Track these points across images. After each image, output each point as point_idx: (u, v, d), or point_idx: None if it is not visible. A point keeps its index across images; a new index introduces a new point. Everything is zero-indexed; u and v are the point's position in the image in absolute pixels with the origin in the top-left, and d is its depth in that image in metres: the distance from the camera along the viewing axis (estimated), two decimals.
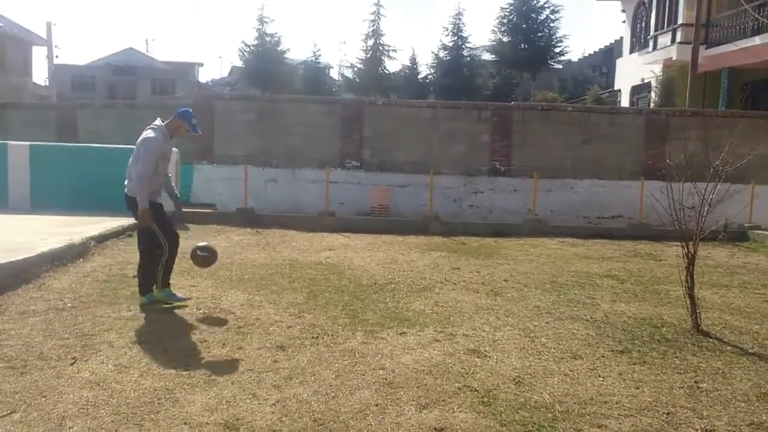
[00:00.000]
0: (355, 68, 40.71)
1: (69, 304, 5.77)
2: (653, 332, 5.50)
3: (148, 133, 5.80)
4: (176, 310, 5.70)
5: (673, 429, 3.56)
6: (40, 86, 44.33)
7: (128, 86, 50.91)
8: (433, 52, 40.01)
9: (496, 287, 7.21)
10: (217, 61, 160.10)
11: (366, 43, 39.59)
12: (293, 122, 14.83)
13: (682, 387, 4.20)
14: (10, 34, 36.07)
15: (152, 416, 3.52)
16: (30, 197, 12.01)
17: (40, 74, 58.16)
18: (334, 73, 48.71)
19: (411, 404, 3.78)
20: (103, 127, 15.76)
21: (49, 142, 13.67)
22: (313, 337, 5.03)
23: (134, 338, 4.85)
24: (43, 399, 3.70)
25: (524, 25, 35.90)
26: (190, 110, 6.03)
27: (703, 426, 3.61)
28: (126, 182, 5.83)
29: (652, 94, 23.32)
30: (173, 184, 6.33)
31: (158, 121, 5.93)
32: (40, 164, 12.15)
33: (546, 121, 14.86)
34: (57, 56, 39.30)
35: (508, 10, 36.42)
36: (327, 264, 8.32)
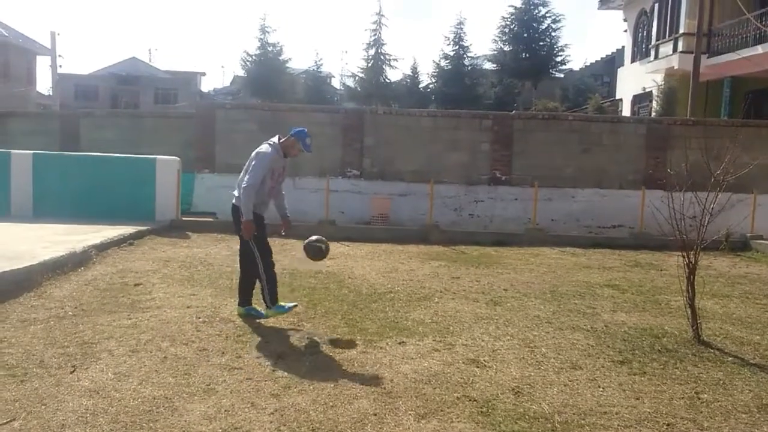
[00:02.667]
0: (357, 77, 40.85)
1: (70, 312, 5.77)
2: (654, 342, 5.48)
3: (262, 148, 5.83)
4: (176, 318, 5.69)
5: None
6: (44, 95, 44.57)
7: (131, 95, 51.12)
8: (434, 61, 40.03)
9: (496, 297, 7.20)
10: (219, 70, 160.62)
11: (367, 52, 39.76)
12: None
13: (683, 398, 4.19)
14: (14, 43, 36.30)
15: (151, 425, 3.52)
16: (33, 205, 12.04)
17: (43, 83, 58.58)
18: (336, 83, 48.95)
19: (409, 414, 3.77)
20: (106, 136, 15.79)
21: (52, 150, 13.71)
22: (312, 346, 5.02)
23: (134, 347, 4.84)
24: (42, 407, 3.70)
25: (525, 35, 36.02)
26: (305, 130, 6.05)
27: None
28: (235, 193, 5.84)
29: (654, 104, 23.36)
30: (285, 203, 6.32)
31: (275, 139, 5.93)
32: (43, 173, 12.19)
33: (547, 130, 14.88)
34: (61, 66, 39.47)
35: (509, 19, 36.57)
36: (327, 273, 8.32)
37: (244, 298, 5.96)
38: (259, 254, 5.76)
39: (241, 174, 5.80)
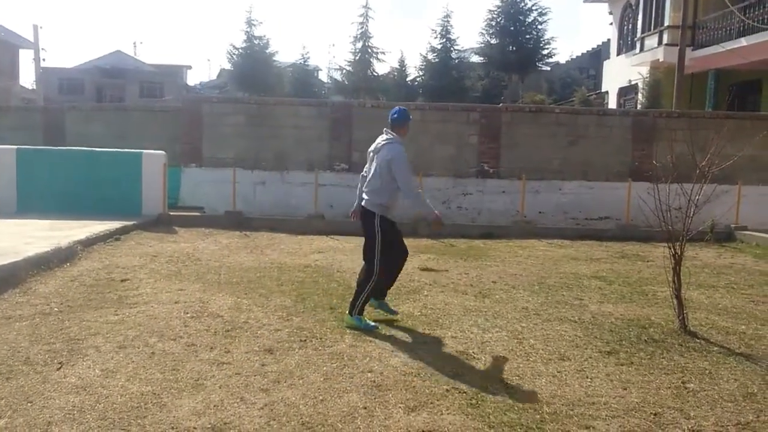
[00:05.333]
0: (344, 71, 40.67)
1: (56, 309, 5.73)
2: (641, 333, 5.52)
3: (393, 146, 5.51)
4: (164, 314, 5.66)
5: (660, 429, 3.58)
6: (28, 89, 44.03)
7: (116, 89, 50.68)
8: (421, 55, 39.90)
9: (484, 289, 7.22)
10: (205, 63, 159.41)
11: (354, 45, 39.57)
12: (282, 125, 14.81)
13: (670, 387, 4.23)
14: None
15: (139, 421, 3.49)
16: (17, 201, 11.93)
17: (27, 77, 57.92)
18: (323, 76, 48.67)
19: (399, 407, 3.78)
20: (91, 130, 15.66)
21: (36, 145, 13.57)
22: (301, 340, 5.02)
23: (121, 343, 4.81)
24: (29, 404, 3.67)
25: (512, 28, 36.00)
26: (403, 108, 5.78)
27: (690, 426, 3.63)
28: (365, 197, 5.63)
29: (639, 96, 23.48)
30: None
31: (390, 134, 5.63)
32: (27, 168, 12.08)
33: (534, 122, 14.91)
34: (44, 59, 39.13)
35: (495, 12, 36.52)
36: (316, 267, 8.31)
37: (380, 293, 5.73)
38: (382, 257, 5.51)
39: (369, 175, 5.58)
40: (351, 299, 5.60)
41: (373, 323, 5.50)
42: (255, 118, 14.89)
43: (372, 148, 5.73)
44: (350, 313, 5.52)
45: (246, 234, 11.27)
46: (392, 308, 5.86)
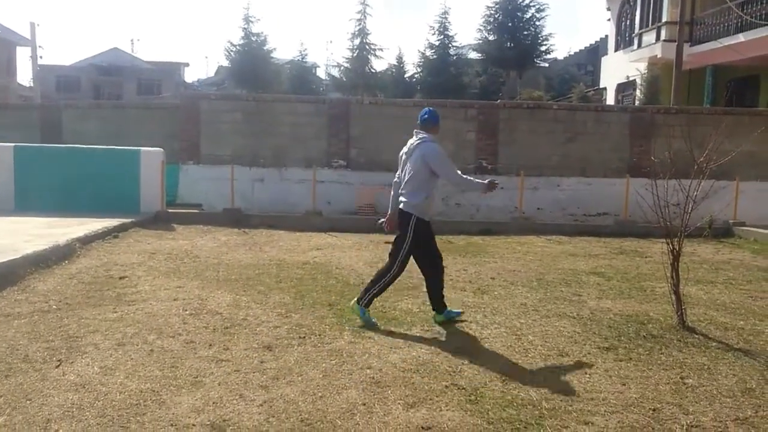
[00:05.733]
0: (342, 67, 40.64)
1: (54, 306, 5.72)
2: (639, 329, 5.53)
3: (427, 144, 5.49)
4: (162, 311, 5.66)
5: (659, 425, 3.59)
6: (25, 87, 43.96)
7: (113, 86, 50.65)
8: (419, 51, 39.97)
9: (482, 285, 7.23)
10: (203, 61, 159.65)
11: (352, 42, 39.52)
12: (280, 122, 14.80)
13: (668, 383, 4.23)
14: None
15: (138, 418, 3.49)
16: (14, 198, 11.91)
17: (24, 75, 57.78)
18: (321, 73, 48.63)
19: (398, 403, 3.78)
20: (89, 127, 15.63)
21: (33, 143, 13.55)
22: (300, 337, 5.02)
23: (120, 340, 4.81)
24: (28, 402, 3.66)
25: (510, 24, 35.99)
26: (431, 109, 5.79)
27: (688, 422, 3.63)
28: (402, 199, 5.56)
29: (637, 92, 23.50)
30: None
31: (424, 134, 5.59)
32: (25, 166, 12.05)
33: (532, 119, 14.92)
34: (41, 57, 38.98)
35: (493, 8, 36.51)
36: (314, 264, 8.31)
37: (439, 305, 5.64)
38: (405, 257, 5.48)
39: (406, 177, 5.52)
40: (364, 287, 5.60)
41: (374, 320, 5.49)
42: (253, 115, 14.88)
43: (404, 150, 5.70)
44: (358, 301, 5.50)
45: (244, 231, 11.27)
46: (456, 310, 5.79)
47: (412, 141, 5.63)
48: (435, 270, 5.65)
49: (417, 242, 5.48)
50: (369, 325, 5.38)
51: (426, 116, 5.68)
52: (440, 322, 5.58)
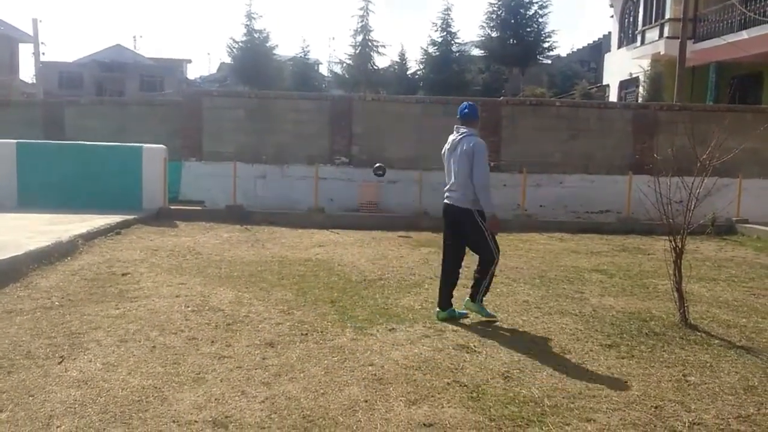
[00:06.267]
0: (344, 64, 40.58)
1: (57, 303, 5.73)
2: (641, 326, 5.52)
3: (473, 138, 5.50)
4: (165, 308, 5.66)
5: (661, 422, 3.58)
6: (27, 84, 43.95)
7: (116, 83, 50.65)
8: (422, 48, 39.94)
9: None
10: (205, 57, 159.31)
11: (355, 38, 39.47)
12: (282, 119, 14.79)
13: (671, 380, 4.23)
14: None
15: (140, 415, 3.50)
16: (17, 195, 11.93)
17: (27, 72, 57.80)
18: (323, 69, 48.62)
19: (400, 400, 3.78)
20: (91, 124, 15.62)
21: (36, 139, 13.56)
22: (302, 334, 5.02)
23: (122, 336, 4.81)
24: (30, 398, 3.67)
25: (513, 21, 35.92)
26: (471, 103, 5.77)
27: (691, 419, 3.63)
28: (449, 194, 5.64)
29: (640, 89, 23.45)
30: None
31: (465, 129, 5.61)
32: (28, 162, 12.07)
33: (535, 116, 14.89)
34: (44, 53, 39.12)
35: (496, 5, 36.44)
36: (316, 260, 8.31)
37: (447, 301, 5.68)
38: (496, 250, 5.57)
39: (455, 170, 5.56)
40: (473, 285, 5.65)
41: (492, 312, 5.69)
42: (255, 112, 14.87)
43: (447, 147, 5.73)
44: (472, 299, 5.61)
45: (247, 228, 11.27)
46: (462, 311, 5.76)
47: (454, 137, 5.67)
48: (458, 266, 5.77)
49: (486, 227, 5.54)
50: (490, 317, 5.60)
51: (466, 110, 5.68)
52: (444, 319, 5.60)
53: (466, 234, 5.61)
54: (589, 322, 5.66)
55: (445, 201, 5.71)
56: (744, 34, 18.44)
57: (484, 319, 5.62)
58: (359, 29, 39.26)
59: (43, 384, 3.87)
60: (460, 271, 5.82)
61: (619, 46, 27.51)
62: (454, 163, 5.59)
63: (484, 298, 5.68)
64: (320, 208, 12.99)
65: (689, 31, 19.56)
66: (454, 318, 5.62)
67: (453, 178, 5.60)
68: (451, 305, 5.70)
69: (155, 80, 52.09)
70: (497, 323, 5.52)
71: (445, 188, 5.73)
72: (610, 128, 14.90)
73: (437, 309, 5.71)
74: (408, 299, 6.30)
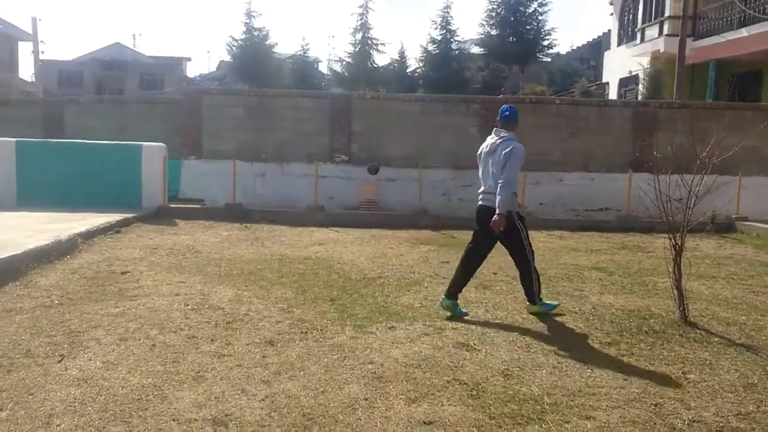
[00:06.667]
0: (344, 62, 40.52)
1: (56, 301, 5.73)
2: (641, 324, 5.53)
3: (512, 142, 5.58)
4: (164, 306, 5.66)
5: (660, 420, 3.58)
6: (27, 82, 43.90)
7: (116, 81, 50.57)
8: (421, 46, 39.90)
9: (485, 281, 7.22)
10: (205, 55, 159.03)
11: (354, 36, 39.40)
12: (282, 117, 14.79)
13: (670, 378, 4.22)
14: None
15: (140, 413, 3.50)
16: (16, 194, 11.93)
17: (26, 70, 57.71)
18: (323, 67, 48.52)
19: (400, 398, 3.78)
20: (91, 123, 15.62)
21: (35, 138, 13.55)
22: (302, 332, 5.02)
23: (122, 335, 4.82)
24: (30, 397, 3.67)
25: (512, 18, 35.87)
26: (511, 107, 5.91)
27: (690, 417, 3.63)
28: (485, 197, 5.69)
29: (640, 87, 23.43)
30: None
31: (505, 132, 5.71)
32: (27, 161, 12.07)
33: (534, 114, 14.88)
34: (43, 52, 39.03)
35: (496, 3, 36.35)
36: (316, 259, 8.31)
37: (457, 290, 5.75)
38: (530, 250, 5.73)
39: (491, 171, 5.61)
40: (525, 292, 5.81)
41: (553, 302, 5.88)
42: (255, 110, 14.87)
43: (485, 149, 5.78)
44: (532, 302, 5.74)
45: (246, 226, 11.27)
46: (463, 309, 5.79)
47: (493, 139, 5.72)
48: (480, 259, 5.84)
49: (525, 228, 5.70)
50: (552, 309, 5.77)
51: (507, 113, 5.79)
52: (446, 306, 5.65)
53: (503, 234, 5.64)
54: (588, 319, 5.66)
55: (481, 203, 5.76)
56: (743, 32, 18.42)
57: (552, 312, 5.78)
58: (359, 27, 39.21)
59: (43, 383, 3.87)
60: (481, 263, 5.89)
61: (619, 44, 27.49)
62: (492, 165, 5.63)
63: (541, 294, 5.85)
64: (320, 206, 12.99)
65: (689, 29, 19.54)
66: (454, 312, 5.63)
67: (490, 180, 5.65)
68: (457, 298, 5.73)
69: (155, 78, 52.01)
70: (497, 321, 5.52)
71: (480, 190, 5.79)
72: (609, 126, 14.90)
73: (443, 296, 5.75)
74: (408, 297, 6.30)
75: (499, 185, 5.45)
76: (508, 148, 5.50)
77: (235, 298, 6.03)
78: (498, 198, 5.44)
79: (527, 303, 5.85)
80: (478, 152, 5.88)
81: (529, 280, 5.74)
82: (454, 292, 5.72)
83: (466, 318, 5.59)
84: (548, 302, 5.88)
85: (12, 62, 38.60)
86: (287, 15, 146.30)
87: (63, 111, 16.40)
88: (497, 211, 5.43)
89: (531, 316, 5.73)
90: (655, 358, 4.64)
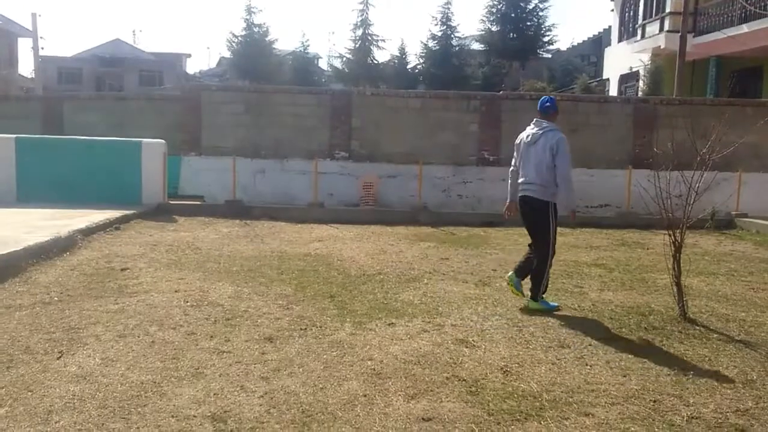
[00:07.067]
0: (344, 58, 40.55)
1: (56, 298, 5.73)
2: (640, 320, 5.53)
3: (556, 133, 5.74)
4: (164, 303, 5.66)
5: (659, 416, 3.59)
6: (26, 78, 43.89)
7: (115, 78, 50.51)
8: (422, 42, 39.82)
9: (484, 277, 7.22)
10: (205, 52, 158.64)
11: (355, 33, 39.45)
12: (282, 113, 14.78)
13: (669, 374, 4.23)
14: None
15: (139, 410, 3.50)
16: (16, 190, 11.91)
17: (26, 66, 57.66)
18: (323, 64, 48.50)
19: (399, 394, 3.78)
20: (90, 119, 15.60)
21: (35, 134, 13.53)
22: (301, 329, 5.02)
23: (121, 332, 4.82)
24: (29, 393, 3.67)
25: (513, 14, 35.90)
26: (550, 97, 6.03)
27: (689, 413, 3.63)
28: (527, 187, 5.80)
29: (641, 83, 23.41)
30: None
31: (547, 122, 5.86)
32: (27, 157, 12.04)
33: (535, 110, 14.68)
34: (43, 48, 38.92)
35: None
36: (316, 255, 8.31)
37: (522, 272, 5.90)
38: (553, 246, 5.79)
39: (534, 168, 5.72)
40: (531, 287, 5.83)
41: (554, 303, 5.88)
42: (255, 107, 14.86)
43: (525, 139, 5.89)
44: (534, 298, 5.78)
45: (246, 223, 11.26)
46: (553, 303, 5.92)
47: (534, 130, 5.85)
48: (552, 250, 5.87)
49: (556, 224, 5.77)
50: (553, 309, 5.75)
51: (548, 104, 5.91)
52: (536, 308, 5.76)
53: (534, 223, 5.82)
54: (587, 316, 5.66)
55: (522, 193, 5.87)
56: (744, 28, 18.39)
57: (553, 311, 5.78)
58: (359, 23, 39.23)
59: (42, 379, 3.87)
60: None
61: (620, 40, 27.45)
62: (534, 155, 5.74)
63: (544, 294, 5.90)
64: (319, 202, 12.98)
65: (689, 25, 19.51)
66: (547, 308, 5.75)
67: (533, 170, 5.74)
68: (522, 280, 5.89)
69: (155, 75, 51.92)
70: (496, 317, 5.52)
71: (520, 180, 5.88)
72: (609, 122, 14.88)
73: (511, 271, 5.95)
74: (407, 294, 6.30)
75: (559, 180, 5.61)
76: (554, 139, 5.65)
77: (234, 295, 6.03)
78: (563, 193, 5.66)
79: (528, 299, 5.85)
80: (517, 142, 6.02)
81: (540, 276, 5.77)
82: (519, 281, 5.90)
83: (465, 314, 5.58)
84: (551, 303, 5.89)
85: (12, 58, 38.60)
86: (287, 11, 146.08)
87: (62, 107, 16.37)
88: (568, 203, 5.75)
89: (530, 312, 5.72)
90: (654, 354, 4.64)
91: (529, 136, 5.87)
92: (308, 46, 42.08)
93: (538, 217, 5.77)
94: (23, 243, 7.26)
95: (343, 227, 11.07)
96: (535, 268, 5.81)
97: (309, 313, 5.48)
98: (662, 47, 21.53)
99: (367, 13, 39.35)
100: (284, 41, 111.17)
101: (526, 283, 5.91)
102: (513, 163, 6.05)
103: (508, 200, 6.17)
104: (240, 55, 38.45)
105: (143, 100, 17.74)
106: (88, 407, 3.51)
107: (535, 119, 5.94)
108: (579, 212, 6.00)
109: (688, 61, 19.49)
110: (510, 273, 5.99)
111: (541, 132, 5.77)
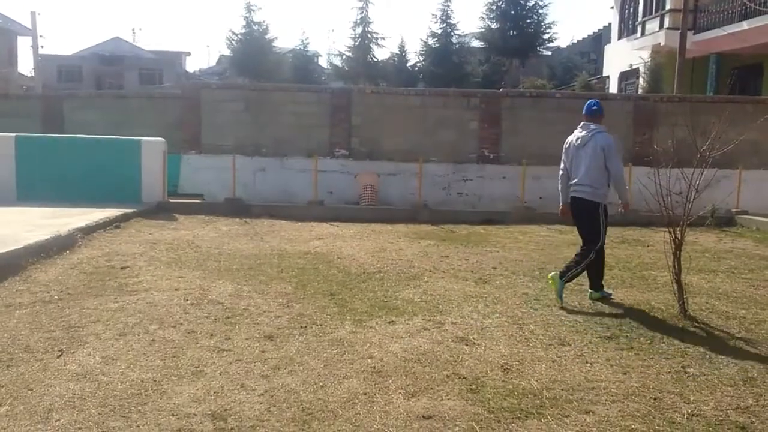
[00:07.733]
0: (344, 56, 40.54)
1: (56, 297, 5.73)
2: (641, 318, 5.53)
3: (606, 135, 5.99)
4: (164, 301, 5.65)
5: (660, 414, 3.59)
6: (26, 77, 43.86)
7: (115, 76, 50.46)
8: (421, 40, 39.89)
9: (484, 275, 7.22)
10: (204, 50, 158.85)
11: (354, 30, 39.43)
12: (281, 111, 14.75)
13: (669, 372, 4.23)
14: None
15: (139, 408, 3.50)
16: (16, 189, 11.90)
17: (25, 65, 57.61)
18: (323, 62, 48.52)
19: (399, 392, 3.78)
20: (90, 117, 15.57)
21: (35, 133, 13.52)
22: (301, 327, 5.02)
23: (121, 330, 4.82)
24: (29, 392, 3.67)
25: (513, 12, 35.88)
26: (595, 101, 6.26)
27: (689, 410, 3.63)
28: (578, 188, 6.04)
29: (641, 80, 23.40)
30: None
31: (594, 125, 6.07)
32: (27, 156, 12.04)
33: (535, 108, 14.85)
34: (42, 46, 38.84)
35: None
36: (316, 253, 8.30)
37: (597, 283, 6.14)
38: (602, 244, 6.00)
39: (585, 165, 5.94)
40: (566, 265, 6.10)
41: (608, 291, 6.16)
42: (254, 105, 14.84)
43: (575, 142, 6.09)
44: (561, 275, 5.92)
45: (246, 221, 11.26)
46: (609, 291, 6.23)
47: (583, 132, 6.05)
48: (602, 251, 6.09)
49: (606, 224, 5.99)
50: (560, 296, 5.87)
51: (595, 107, 6.14)
52: (596, 299, 6.05)
53: (586, 224, 6.04)
54: (588, 313, 5.66)
55: (574, 195, 6.10)
56: (744, 25, 18.36)
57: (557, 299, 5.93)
58: (359, 21, 39.21)
59: (42, 378, 3.87)
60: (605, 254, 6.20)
61: (620, 38, 27.43)
62: (585, 158, 5.95)
63: (541, 288, 6.19)
64: (319, 200, 12.98)
65: (689, 22, 19.48)
66: (604, 296, 6.05)
67: (584, 172, 5.95)
68: (602, 286, 6.12)
69: (154, 73, 51.88)
70: (496, 315, 5.52)
71: (573, 182, 6.10)
72: (610, 120, 14.73)
73: (590, 290, 6.17)
74: (407, 292, 6.30)
75: (614, 180, 5.91)
76: (605, 142, 5.88)
77: (234, 293, 6.03)
78: (619, 192, 5.99)
79: (589, 291, 6.13)
80: (566, 145, 6.23)
81: (579, 263, 5.94)
82: (597, 284, 6.12)
83: (465, 312, 5.58)
84: (562, 291, 6.01)
85: (11, 57, 38.58)
86: (287, 9, 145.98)
87: (62, 106, 16.35)
88: (622, 200, 6.05)
89: (530, 310, 5.73)
90: (654, 351, 4.64)
91: (578, 139, 6.05)
92: (308, 44, 42.22)
93: (589, 218, 5.98)
94: (23, 241, 7.26)
95: (343, 225, 11.07)
96: (579, 255, 6.02)
97: (309, 312, 5.48)
98: (662, 44, 21.51)
99: (366, 11, 39.36)
100: (284, 39, 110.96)
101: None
102: (562, 166, 6.25)
103: (560, 203, 6.38)
104: (240, 53, 38.44)
105: (143, 98, 17.71)
106: (89, 406, 3.51)
107: (582, 122, 6.14)
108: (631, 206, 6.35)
109: (688, 58, 19.47)
110: (553, 274, 6.06)
111: (590, 135, 5.96)
